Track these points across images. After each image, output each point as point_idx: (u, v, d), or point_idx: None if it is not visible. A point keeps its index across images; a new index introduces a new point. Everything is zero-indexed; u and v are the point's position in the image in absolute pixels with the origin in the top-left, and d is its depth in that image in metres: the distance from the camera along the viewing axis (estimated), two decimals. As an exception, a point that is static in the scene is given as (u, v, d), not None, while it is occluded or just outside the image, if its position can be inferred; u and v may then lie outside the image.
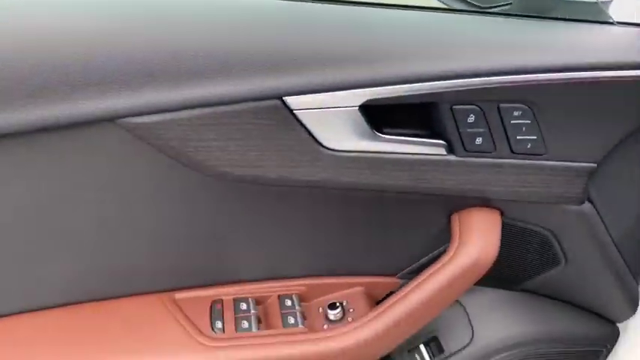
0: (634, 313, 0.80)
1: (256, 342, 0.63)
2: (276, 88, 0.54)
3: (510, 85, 0.56)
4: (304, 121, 0.56)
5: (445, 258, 0.64)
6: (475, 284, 0.75)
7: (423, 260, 0.71)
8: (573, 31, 0.61)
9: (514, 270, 0.74)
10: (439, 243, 0.69)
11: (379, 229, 0.68)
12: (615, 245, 0.70)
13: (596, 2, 0.64)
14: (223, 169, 0.57)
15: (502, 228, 0.66)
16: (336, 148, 0.58)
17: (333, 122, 0.56)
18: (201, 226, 0.63)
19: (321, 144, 0.57)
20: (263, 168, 0.58)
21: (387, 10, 0.61)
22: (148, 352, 0.61)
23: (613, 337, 0.82)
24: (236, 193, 0.61)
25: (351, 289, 0.72)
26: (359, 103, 0.56)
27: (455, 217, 0.66)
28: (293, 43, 0.55)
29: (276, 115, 0.55)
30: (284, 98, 0.54)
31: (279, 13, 0.58)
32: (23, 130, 0.52)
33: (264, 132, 0.56)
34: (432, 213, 0.67)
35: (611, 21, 0.62)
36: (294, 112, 0.55)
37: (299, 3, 0.60)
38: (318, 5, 0.60)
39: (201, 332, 0.63)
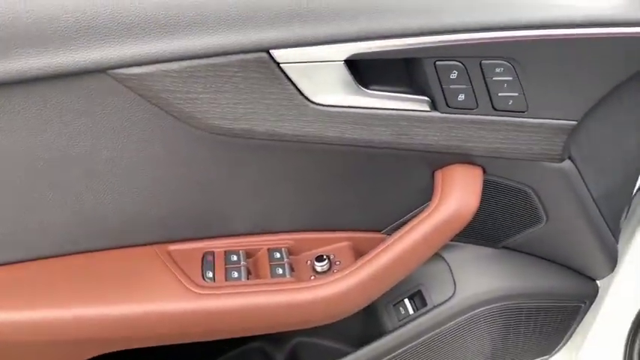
0: (612, 271, 0.82)
1: (245, 290, 0.65)
2: (263, 41, 0.55)
3: (492, 41, 0.57)
4: (291, 75, 0.57)
5: (427, 211, 0.66)
6: (458, 241, 0.78)
7: (408, 217, 0.73)
8: None
9: (496, 227, 0.76)
10: (423, 200, 0.71)
11: (364, 185, 0.70)
12: (595, 203, 0.73)
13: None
14: (213, 121, 0.59)
15: (484, 185, 0.68)
16: (322, 102, 0.59)
17: (319, 76, 0.58)
18: (192, 179, 0.65)
19: (307, 98, 0.59)
20: (252, 121, 0.60)
21: None
22: (140, 299, 0.64)
23: (592, 294, 0.85)
24: (226, 147, 0.62)
25: (338, 243, 0.74)
26: (344, 58, 0.57)
27: (438, 174, 0.68)
28: None
29: (263, 68, 0.56)
30: (270, 51, 0.56)
31: None
32: (19, 79, 0.54)
33: (252, 85, 0.57)
34: (416, 170, 0.69)
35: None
36: (281, 65, 0.57)
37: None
38: None
39: (192, 281, 0.65)
